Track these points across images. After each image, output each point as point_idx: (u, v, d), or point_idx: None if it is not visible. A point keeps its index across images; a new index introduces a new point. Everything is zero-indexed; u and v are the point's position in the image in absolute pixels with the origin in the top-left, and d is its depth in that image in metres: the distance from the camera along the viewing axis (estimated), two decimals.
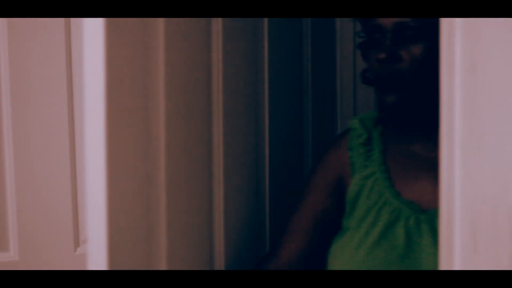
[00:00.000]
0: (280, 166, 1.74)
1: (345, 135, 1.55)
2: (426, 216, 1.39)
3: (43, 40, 1.62)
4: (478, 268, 0.97)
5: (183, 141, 1.49)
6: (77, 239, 1.88)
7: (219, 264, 1.52)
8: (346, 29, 2.21)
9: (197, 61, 1.51)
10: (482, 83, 0.86)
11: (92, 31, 1.05)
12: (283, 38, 1.77)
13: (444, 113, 0.90)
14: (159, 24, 1.43)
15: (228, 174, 1.52)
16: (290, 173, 1.84)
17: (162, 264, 1.40)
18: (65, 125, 1.70)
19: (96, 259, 1.11)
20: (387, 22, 1.39)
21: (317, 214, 1.53)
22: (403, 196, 1.43)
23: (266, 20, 1.64)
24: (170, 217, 1.44)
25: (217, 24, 1.61)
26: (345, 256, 1.42)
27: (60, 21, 1.62)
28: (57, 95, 1.66)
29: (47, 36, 1.64)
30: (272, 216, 1.70)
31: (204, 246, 1.54)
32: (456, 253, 0.96)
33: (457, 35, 0.88)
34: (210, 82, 1.55)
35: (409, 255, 1.37)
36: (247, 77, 1.62)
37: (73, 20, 1.60)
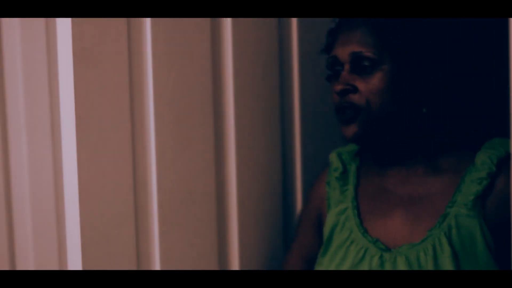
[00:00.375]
0: None
1: (326, 170, 1.57)
2: (391, 255, 1.38)
3: None
4: None
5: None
6: None
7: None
8: None
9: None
10: None
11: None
12: None
13: None
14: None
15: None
16: None
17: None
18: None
19: None
20: (343, 53, 1.40)
21: (304, 254, 1.58)
22: (371, 234, 1.42)
23: None
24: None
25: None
26: None
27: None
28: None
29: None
30: None
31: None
32: None
33: None
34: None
35: None
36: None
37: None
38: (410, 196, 1.42)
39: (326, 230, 1.48)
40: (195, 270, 1.50)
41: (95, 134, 1.34)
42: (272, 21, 1.67)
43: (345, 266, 1.41)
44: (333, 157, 1.55)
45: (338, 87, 1.39)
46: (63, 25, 1.30)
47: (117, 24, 1.37)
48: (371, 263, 1.39)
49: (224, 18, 1.55)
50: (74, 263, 1.32)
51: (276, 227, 1.70)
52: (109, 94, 1.37)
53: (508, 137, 1.40)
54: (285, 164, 1.73)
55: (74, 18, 1.28)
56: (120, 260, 1.39)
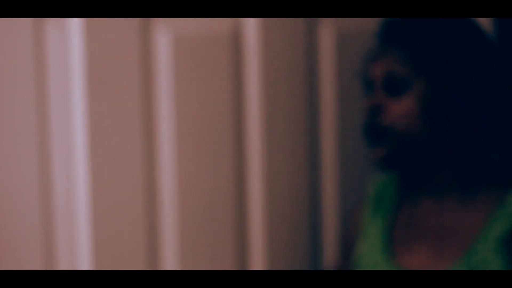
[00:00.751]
0: None
1: (365, 198, 1.55)
2: None
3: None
4: None
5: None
6: None
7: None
8: None
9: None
10: None
11: None
12: None
13: None
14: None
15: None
16: None
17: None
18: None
19: None
20: (376, 72, 1.37)
21: None
22: (397, 261, 1.39)
23: None
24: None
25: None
26: None
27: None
28: None
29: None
30: None
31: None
32: None
33: None
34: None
35: None
36: None
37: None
38: (439, 226, 1.39)
39: (357, 255, 1.47)
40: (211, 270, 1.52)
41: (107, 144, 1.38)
42: (299, 21, 1.65)
43: None
44: (372, 186, 1.53)
45: (368, 105, 1.37)
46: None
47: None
48: None
49: (249, 18, 1.56)
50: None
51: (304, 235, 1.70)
52: (122, 102, 1.39)
53: None
54: (314, 168, 1.72)
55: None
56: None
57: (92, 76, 1.35)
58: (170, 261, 1.48)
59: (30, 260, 1.35)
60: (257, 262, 1.62)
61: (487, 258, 1.31)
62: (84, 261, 1.36)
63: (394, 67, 1.35)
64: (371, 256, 1.43)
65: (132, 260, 1.41)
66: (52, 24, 1.36)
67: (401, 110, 1.34)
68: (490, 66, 1.37)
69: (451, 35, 1.36)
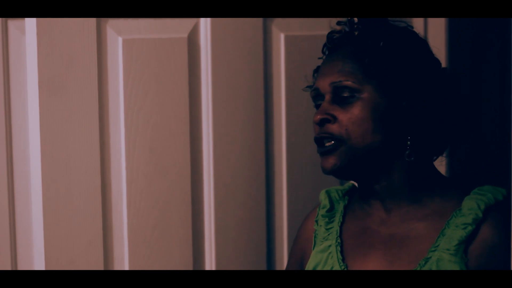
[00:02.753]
0: None
1: (316, 207, 1.53)
2: None
3: None
4: None
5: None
6: None
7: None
8: None
9: None
10: None
11: None
12: None
13: None
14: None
15: None
16: None
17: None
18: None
19: None
20: (324, 84, 1.37)
21: None
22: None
23: None
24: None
25: None
26: None
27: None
28: None
29: None
30: None
31: None
32: None
33: None
34: None
35: None
36: None
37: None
38: (391, 236, 1.38)
39: (309, 267, 1.45)
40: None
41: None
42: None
43: None
44: (322, 195, 1.51)
45: (317, 117, 1.36)
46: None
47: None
48: None
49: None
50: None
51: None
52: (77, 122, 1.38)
53: (498, 185, 1.37)
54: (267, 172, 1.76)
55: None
56: None
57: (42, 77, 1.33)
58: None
59: None
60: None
61: (443, 266, 1.31)
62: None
63: (340, 78, 1.35)
64: (327, 266, 1.42)
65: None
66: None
67: (351, 119, 1.34)
68: (433, 68, 1.39)
69: (394, 41, 1.37)
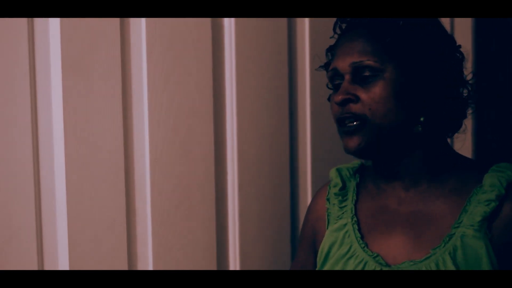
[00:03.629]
0: None
1: (326, 185, 1.54)
2: (391, 270, 1.35)
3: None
4: None
5: None
6: None
7: None
8: None
9: None
10: None
11: None
12: None
13: None
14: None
15: None
16: None
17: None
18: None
19: None
20: (343, 64, 1.37)
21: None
22: (371, 249, 1.39)
23: None
24: None
25: None
26: None
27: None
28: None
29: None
30: None
31: None
32: None
33: None
34: None
35: None
36: None
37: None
38: (412, 214, 1.39)
39: (324, 246, 1.45)
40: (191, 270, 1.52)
41: (84, 144, 1.37)
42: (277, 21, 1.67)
43: None
44: (332, 173, 1.52)
45: (339, 97, 1.36)
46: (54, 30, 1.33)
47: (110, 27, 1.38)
48: None
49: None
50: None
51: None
52: (101, 102, 1.39)
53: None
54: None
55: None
56: None
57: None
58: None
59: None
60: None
61: (468, 242, 1.32)
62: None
63: (361, 58, 1.35)
64: (344, 245, 1.43)
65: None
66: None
67: (373, 98, 1.34)
68: (449, 46, 1.39)
69: (412, 20, 1.37)
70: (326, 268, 1.43)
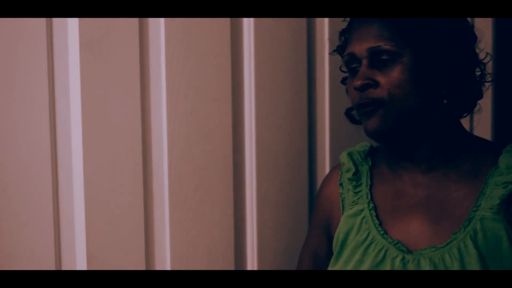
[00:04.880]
0: None
1: (336, 170, 1.53)
2: (413, 256, 1.35)
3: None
4: None
5: None
6: None
7: None
8: None
9: None
10: None
11: None
12: None
13: None
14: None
15: None
16: None
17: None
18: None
19: None
20: (360, 49, 1.36)
21: (315, 255, 1.54)
22: (390, 236, 1.39)
23: None
24: None
25: None
26: None
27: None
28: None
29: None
30: None
31: None
32: None
33: None
34: None
35: None
36: None
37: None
38: (430, 198, 1.39)
39: (340, 233, 1.45)
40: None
41: (102, 130, 1.37)
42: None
43: (364, 267, 1.38)
44: (344, 157, 1.51)
45: (358, 82, 1.35)
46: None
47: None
48: (393, 265, 1.36)
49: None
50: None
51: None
52: (119, 85, 1.39)
53: None
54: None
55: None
56: None
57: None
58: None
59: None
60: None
61: (487, 225, 1.32)
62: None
63: (379, 43, 1.34)
64: (362, 231, 1.42)
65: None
66: None
67: (392, 82, 1.34)
68: (465, 29, 1.39)
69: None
70: (344, 255, 1.43)
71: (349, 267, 1.40)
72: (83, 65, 1.34)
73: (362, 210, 1.44)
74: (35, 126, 1.31)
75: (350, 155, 1.51)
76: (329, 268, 1.46)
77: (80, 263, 1.36)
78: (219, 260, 1.56)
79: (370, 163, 1.49)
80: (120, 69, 1.39)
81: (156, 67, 1.45)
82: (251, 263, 1.62)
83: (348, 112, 1.48)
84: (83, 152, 1.35)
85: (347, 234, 1.44)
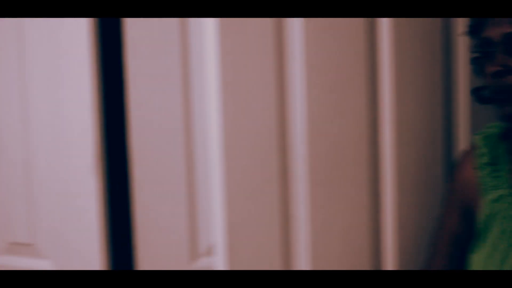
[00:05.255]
0: None
1: (470, 154, 1.48)
2: None
3: None
4: None
5: None
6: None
7: None
8: None
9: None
10: None
11: None
12: None
13: None
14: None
15: None
16: None
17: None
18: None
19: None
20: (496, 33, 1.31)
21: (452, 238, 1.51)
22: None
23: None
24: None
25: None
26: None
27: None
28: None
29: None
30: None
31: None
32: None
33: None
34: None
35: None
36: None
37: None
38: None
39: (483, 217, 1.41)
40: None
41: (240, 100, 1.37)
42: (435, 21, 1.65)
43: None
44: (479, 141, 1.46)
45: (493, 69, 1.31)
46: None
47: None
48: None
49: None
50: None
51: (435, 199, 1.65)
52: (256, 58, 1.38)
53: None
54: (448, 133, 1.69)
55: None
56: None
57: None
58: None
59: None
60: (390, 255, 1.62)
61: None
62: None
63: None
64: (505, 218, 1.37)
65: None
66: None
67: None
68: None
69: None
70: (489, 240, 1.39)
71: (497, 255, 1.36)
72: (222, 39, 1.34)
73: (503, 196, 1.39)
74: (169, 98, 1.33)
75: (485, 138, 1.46)
76: (476, 252, 1.42)
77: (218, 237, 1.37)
78: (355, 239, 1.55)
79: (506, 145, 1.44)
80: (258, 44, 1.39)
81: (294, 42, 1.44)
82: (390, 245, 1.60)
83: (477, 92, 1.43)
84: (220, 127, 1.36)
85: (490, 219, 1.39)
